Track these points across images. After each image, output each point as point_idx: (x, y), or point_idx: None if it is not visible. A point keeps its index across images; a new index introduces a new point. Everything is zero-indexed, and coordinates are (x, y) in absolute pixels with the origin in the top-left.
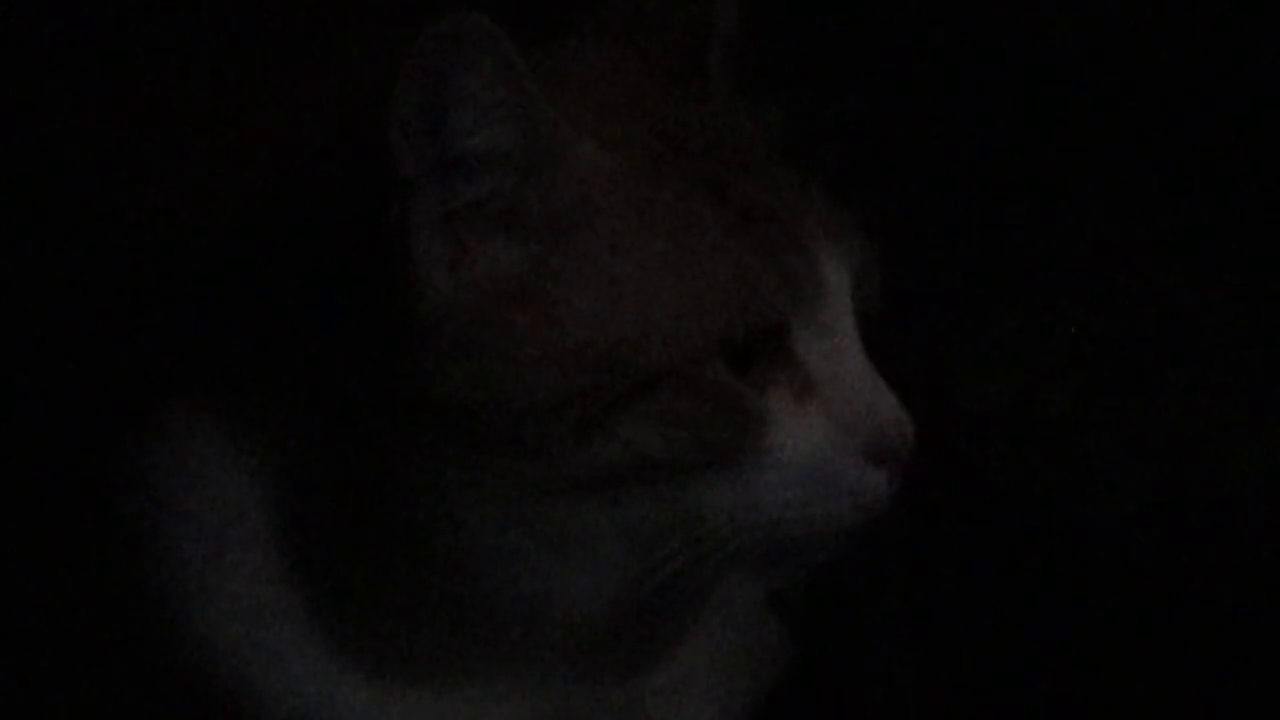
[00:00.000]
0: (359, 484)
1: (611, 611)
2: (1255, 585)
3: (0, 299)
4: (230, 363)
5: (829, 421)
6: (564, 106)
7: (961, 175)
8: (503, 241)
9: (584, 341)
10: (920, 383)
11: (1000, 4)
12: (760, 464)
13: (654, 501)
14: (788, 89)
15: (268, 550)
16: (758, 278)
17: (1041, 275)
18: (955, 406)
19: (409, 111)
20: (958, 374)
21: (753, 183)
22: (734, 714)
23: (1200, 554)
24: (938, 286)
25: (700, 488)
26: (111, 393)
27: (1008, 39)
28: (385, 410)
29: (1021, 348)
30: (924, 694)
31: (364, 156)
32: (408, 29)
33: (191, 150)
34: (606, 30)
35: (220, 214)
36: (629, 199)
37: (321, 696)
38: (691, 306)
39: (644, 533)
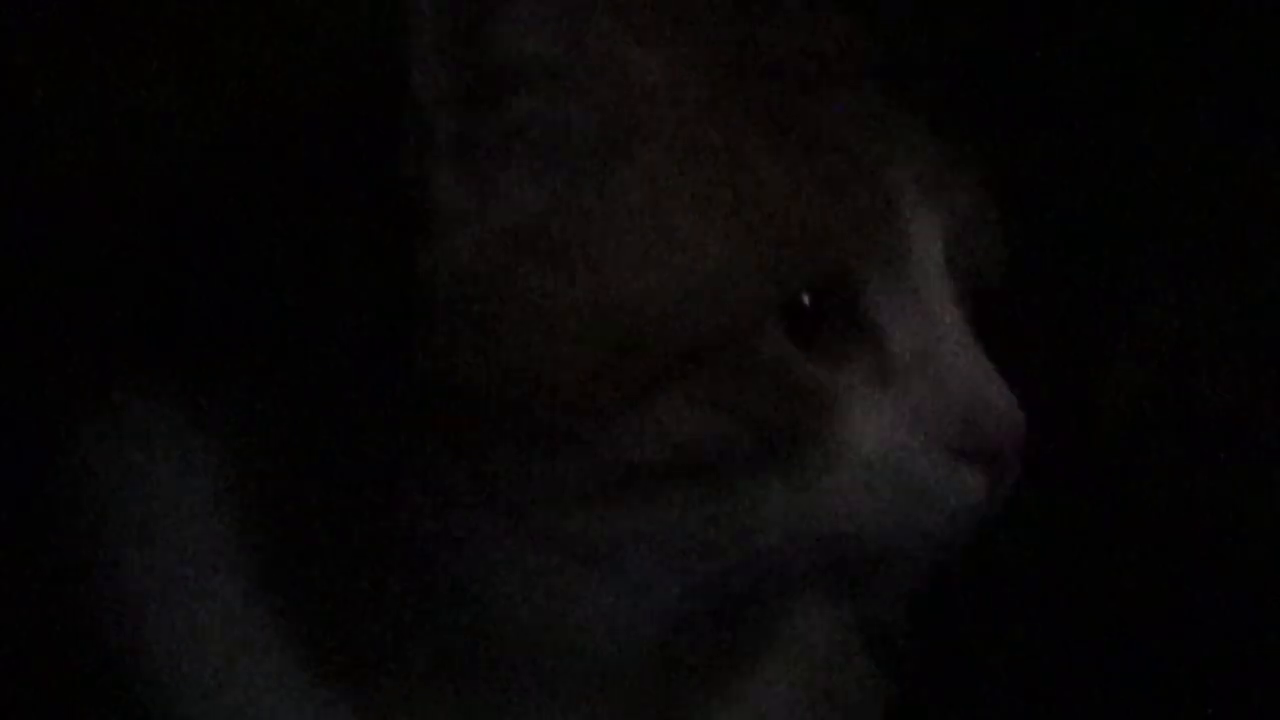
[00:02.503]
0: (348, 490)
1: (651, 644)
2: None
3: None
4: (195, 341)
5: (915, 408)
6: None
7: (1102, 107)
8: (533, 176)
9: (616, 301)
10: (1044, 366)
11: None
12: (827, 460)
13: (696, 506)
14: None
15: (235, 570)
16: (827, 220)
17: (1205, 234)
18: (1089, 396)
19: (444, 8)
20: (1094, 356)
21: (826, 109)
22: None
23: None
24: (1068, 247)
25: (752, 489)
26: (56, 375)
27: None
28: (380, 399)
29: (1177, 325)
30: None
31: (359, 88)
32: None
33: (145, 91)
34: None
35: (189, 162)
36: (681, 122)
37: None
38: (747, 257)
39: (683, 546)
